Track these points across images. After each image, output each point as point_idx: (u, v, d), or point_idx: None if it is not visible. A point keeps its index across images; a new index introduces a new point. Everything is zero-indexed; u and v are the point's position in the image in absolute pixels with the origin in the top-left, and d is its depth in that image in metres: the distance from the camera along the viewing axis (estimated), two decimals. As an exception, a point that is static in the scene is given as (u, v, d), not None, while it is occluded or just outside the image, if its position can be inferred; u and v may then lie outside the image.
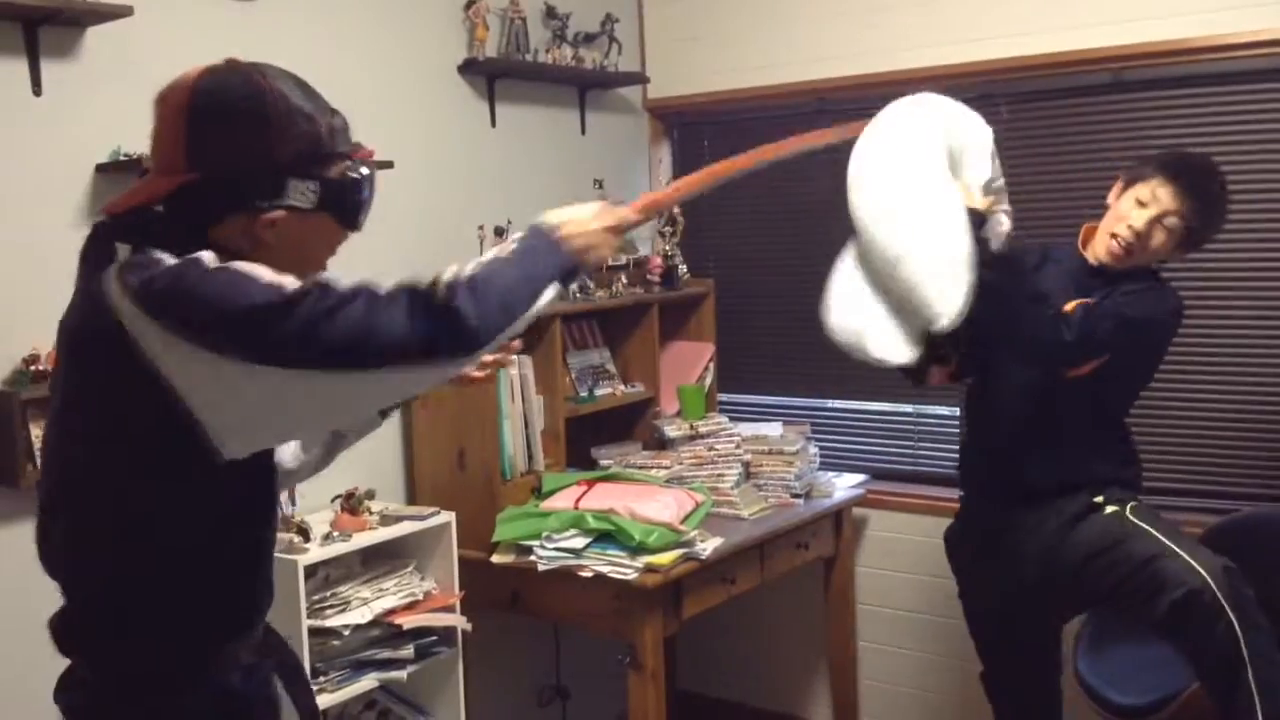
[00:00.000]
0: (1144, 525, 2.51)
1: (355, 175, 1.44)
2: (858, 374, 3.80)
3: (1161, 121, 3.21)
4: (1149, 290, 2.57)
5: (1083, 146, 3.31)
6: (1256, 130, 3.09)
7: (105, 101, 2.59)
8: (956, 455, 2.94)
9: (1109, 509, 2.56)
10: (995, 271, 2.34)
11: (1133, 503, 2.57)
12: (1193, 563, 2.40)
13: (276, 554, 2.59)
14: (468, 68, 3.44)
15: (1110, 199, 2.60)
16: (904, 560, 3.69)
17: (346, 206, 1.44)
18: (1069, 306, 2.46)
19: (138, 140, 1.94)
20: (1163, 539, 2.47)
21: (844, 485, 3.65)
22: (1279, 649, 2.38)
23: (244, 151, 1.36)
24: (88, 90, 2.58)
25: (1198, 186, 2.49)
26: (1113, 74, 3.27)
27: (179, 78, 1.40)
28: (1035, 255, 2.73)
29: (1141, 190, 2.51)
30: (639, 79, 4.00)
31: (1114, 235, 2.53)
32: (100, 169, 2.58)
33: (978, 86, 3.48)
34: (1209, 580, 2.37)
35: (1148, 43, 3.15)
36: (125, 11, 2.49)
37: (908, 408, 3.75)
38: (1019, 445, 2.64)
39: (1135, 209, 2.51)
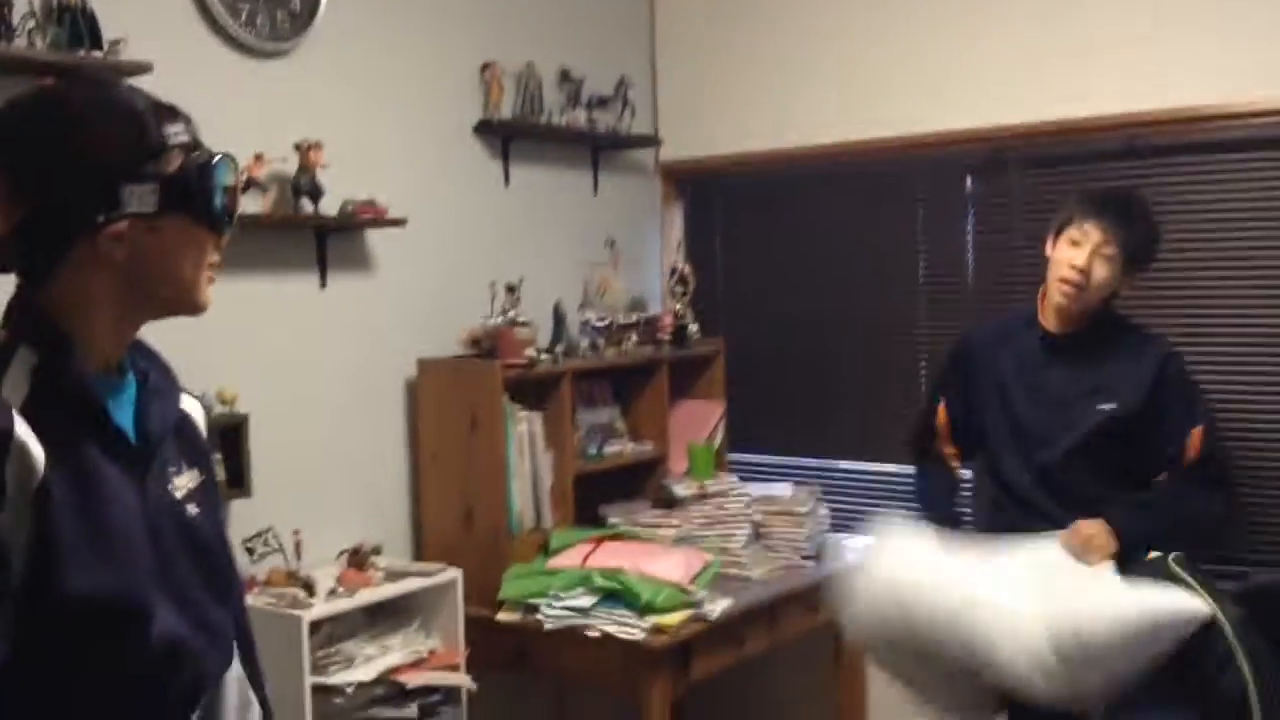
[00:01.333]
0: (1181, 573, 2.51)
1: (199, 162, 1.28)
2: (869, 435, 3.81)
3: (1174, 187, 3.22)
4: (1155, 346, 2.66)
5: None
6: (1269, 197, 3.09)
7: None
8: (968, 516, 2.92)
9: (1152, 554, 2.55)
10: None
11: (1175, 552, 2.57)
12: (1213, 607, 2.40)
13: (282, 609, 2.60)
14: (483, 128, 3.48)
15: (1047, 251, 2.70)
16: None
17: (197, 201, 1.27)
18: (1193, 447, 2.57)
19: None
20: (1194, 586, 2.47)
21: (855, 547, 3.61)
22: None
23: (62, 167, 1.23)
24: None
25: (1121, 214, 2.61)
26: (1125, 140, 3.29)
27: None
28: (993, 333, 2.82)
29: (1072, 232, 2.62)
30: (652, 141, 4.04)
31: (1062, 280, 2.62)
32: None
33: (989, 151, 3.50)
34: (1224, 625, 2.36)
35: (1161, 110, 3.17)
36: (145, 68, 2.54)
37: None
38: (1050, 512, 2.63)
39: (1071, 250, 2.61)
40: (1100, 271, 2.59)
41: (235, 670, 1.40)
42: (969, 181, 3.59)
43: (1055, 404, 2.67)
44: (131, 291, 1.27)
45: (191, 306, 1.33)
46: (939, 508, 2.89)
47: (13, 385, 1.19)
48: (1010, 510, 2.72)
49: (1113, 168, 3.31)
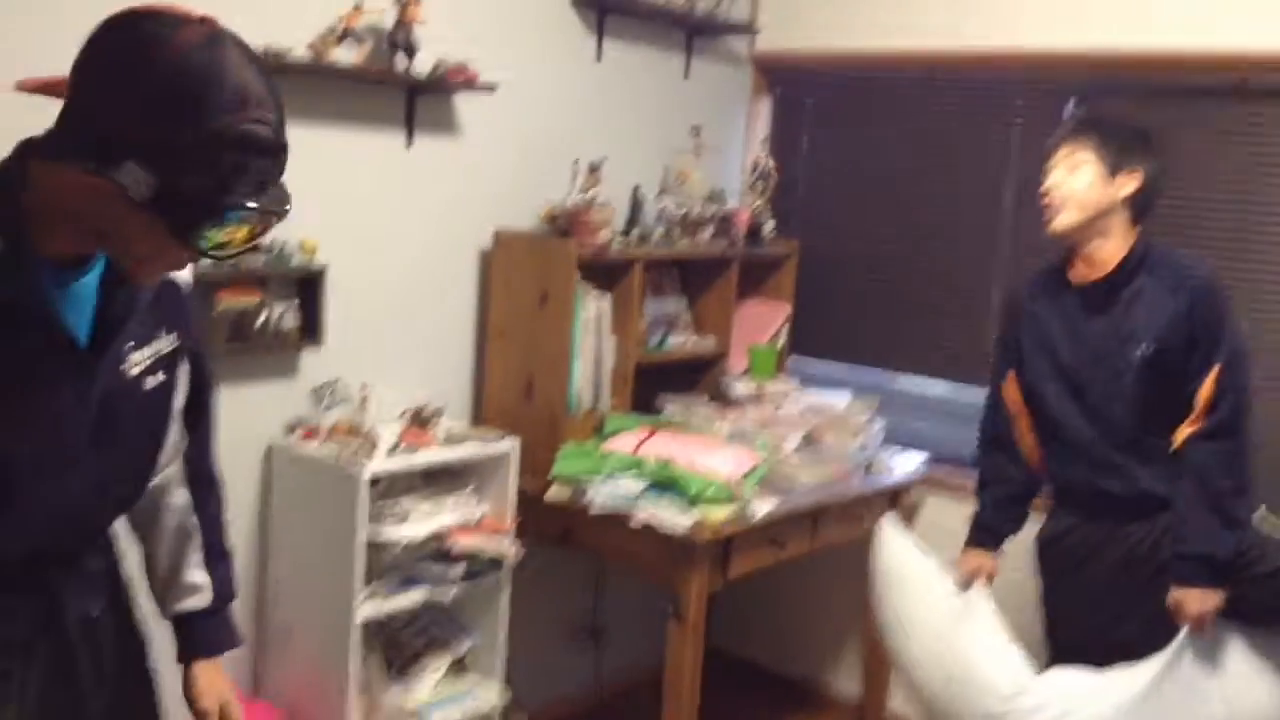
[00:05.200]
0: None
1: (219, 202, 1.16)
2: (934, 353, 3.77)
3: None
4: (1191, 276, 2.51)
5: (1203, 151, 3.20)
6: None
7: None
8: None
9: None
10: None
11: (1263, 504, 2.53)
12: None
13: (343, 461, 2.65)
14: (580, 0, 3.40)
15: None
16: (955, 546, 3.65)
17: (182, 221, 1.17)
18: (1206, 387, 2.44)
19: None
20: None
21: (905, 464, 3.62)
22: None
23: (94, 101, 1.16)
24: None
25: (1084, 123, 2.58)
26: (1237, 80, 3.16)
27: None
28: (1037, 286, 2.72)
29: (1048, 166, 2.59)
30: (747, 29, 3.94)
31: (1044, 208, 2.57)
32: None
33: (1091, 77, 3.38)
34: None
35: (1278, 51, 3.04)
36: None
37: (978, 390, 3.68)
38: (1120, 465, 2.58)
39: (1047, 179, 2.59)
40: (1076, 182, 2.50)
41: (178, 500, 1.62)
42: (1071, 107, 3.48)
43: (1096, 356, 2.57)
44: (85, 230, 1.24)
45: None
46: (991, 508, 2.87)
47: None
48: (1077, 465, 2.66)
49: (1221, 107, 3.19)
